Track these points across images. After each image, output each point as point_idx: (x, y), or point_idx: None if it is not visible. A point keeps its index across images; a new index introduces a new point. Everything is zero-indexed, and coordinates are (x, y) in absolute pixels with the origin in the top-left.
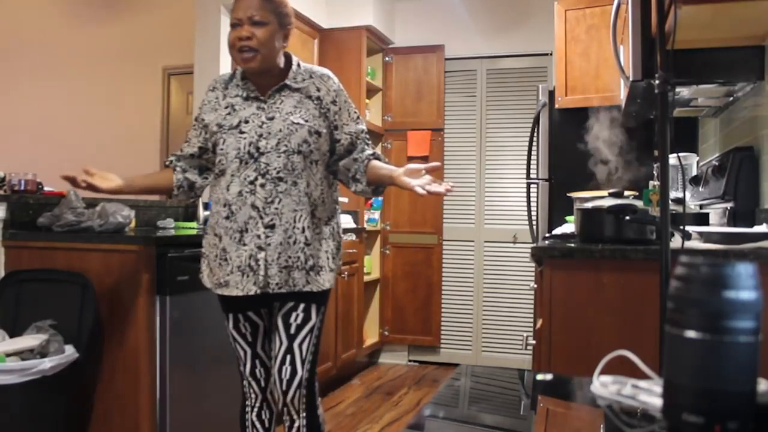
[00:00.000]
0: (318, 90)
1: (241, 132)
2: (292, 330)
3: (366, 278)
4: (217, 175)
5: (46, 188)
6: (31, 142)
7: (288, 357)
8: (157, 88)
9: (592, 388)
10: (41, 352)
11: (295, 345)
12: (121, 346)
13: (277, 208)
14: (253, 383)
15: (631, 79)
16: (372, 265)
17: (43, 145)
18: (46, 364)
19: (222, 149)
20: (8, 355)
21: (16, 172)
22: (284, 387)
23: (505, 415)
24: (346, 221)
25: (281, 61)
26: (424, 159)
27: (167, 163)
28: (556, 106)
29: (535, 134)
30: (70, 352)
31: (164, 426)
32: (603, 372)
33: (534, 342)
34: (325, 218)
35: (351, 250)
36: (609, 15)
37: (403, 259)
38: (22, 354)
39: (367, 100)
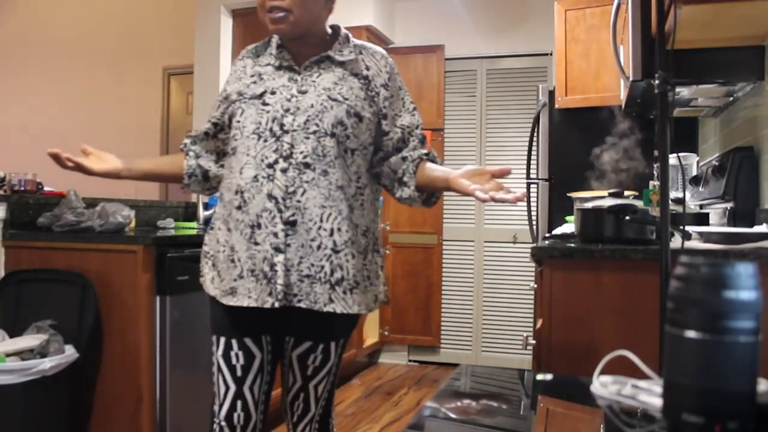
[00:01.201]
0: (368, 68)
1: (265, 104)
2: (309, 372)
3: None
4: (229, 155)
5: (46, 188)
6: (31, 142)
7: (302, 395)
8: (157, 88)
9: (592, 388)
10: (41, 352)
11: (311, 385)
12: (121, 346)
13: (299, 201)
14: (227, 430)
15: (631, 79)
16: None
17: (43, 145)
18: (46, 364)
19: (239, 121)
20: (8, 355)
21: (16, 172)
22: (295, 419)
23: (505, 415)
24: None
25: (325, 30)
26: None
27: (181, 147)
28: (556, 106)
29: (535, 134)
30: (70, 352)
31: (164, 426)
32: (603, 372)
33: (534, 342)
34: (363, 228)
35: None
36: (609, 15)
37: (403, 259)
38: (22, 354)
39: None
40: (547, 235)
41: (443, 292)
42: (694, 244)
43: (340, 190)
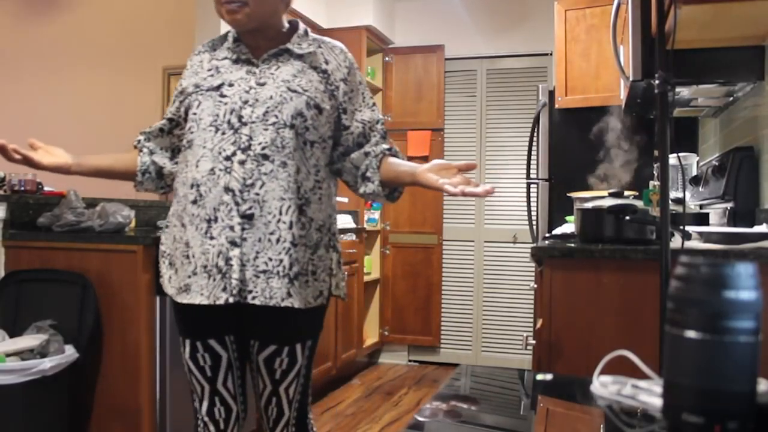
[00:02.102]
0: (327, 62)
1: (223, 96)
2: (277, 375)
3: (366, 278)
4: (184, 148)
5: (46, 188)
6: None
7: (274, 399)
8: (157, 88)
9: (592, 388)
10: (41, 352)
11: (281, 389)
12: (121, 346)
13: (258, 194)
14: (211, 425)
15: (631, 79)
16: (372, 265)
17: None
18: (46, 364)
19: (195, 113)
20: (8, 355)
21: (16, 172)
22: (271, 424)
23: (505, 415)
24: (346, 221)
25: (282, 24)
26: (425, 159)
27: (135, 143)
28: (556, 106)
29: (535, 134)
30: (70, 352)
31: (164, 426)
32: (603, 372)
33: (534, 342)
34: (319, 222)
35: (351, 250)
36: (609, 15)
37: (403, 259)
38: (22, 354)
39: None
40: (547, 235)
41: (443, 292)
42: (694, 244)
43: (297, 183)
